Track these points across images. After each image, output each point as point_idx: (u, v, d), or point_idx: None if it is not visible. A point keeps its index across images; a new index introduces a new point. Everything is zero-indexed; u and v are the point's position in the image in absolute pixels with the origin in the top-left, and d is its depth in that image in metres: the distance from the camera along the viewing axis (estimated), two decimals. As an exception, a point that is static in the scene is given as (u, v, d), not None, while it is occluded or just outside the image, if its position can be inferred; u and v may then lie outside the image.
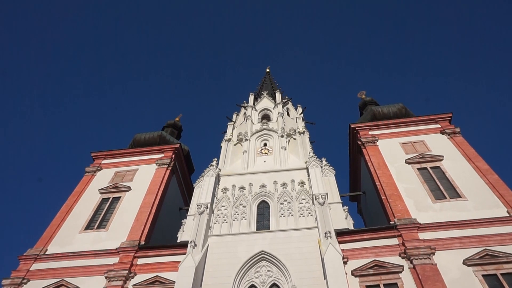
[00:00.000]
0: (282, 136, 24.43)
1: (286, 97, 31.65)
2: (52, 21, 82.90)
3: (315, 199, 17.88)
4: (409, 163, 20.98)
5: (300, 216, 18.12)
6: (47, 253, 18.54)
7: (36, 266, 17.87)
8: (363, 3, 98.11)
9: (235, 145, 24.96)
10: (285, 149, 23.25)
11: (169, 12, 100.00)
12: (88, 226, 20.00)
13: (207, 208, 18.40)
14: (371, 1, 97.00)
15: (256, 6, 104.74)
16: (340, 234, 16.54)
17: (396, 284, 14.92)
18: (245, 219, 18.45)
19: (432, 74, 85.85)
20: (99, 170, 24.43)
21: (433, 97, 78.89)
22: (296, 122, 27.28)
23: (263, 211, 19.03)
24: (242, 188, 20.34)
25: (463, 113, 71.03)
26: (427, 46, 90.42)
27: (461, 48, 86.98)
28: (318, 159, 21.16)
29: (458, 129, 22.79)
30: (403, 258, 15.66)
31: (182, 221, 19.52)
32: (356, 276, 15.27)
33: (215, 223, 18.41)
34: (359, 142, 23.94)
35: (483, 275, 14.52)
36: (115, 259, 17.51)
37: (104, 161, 25.10)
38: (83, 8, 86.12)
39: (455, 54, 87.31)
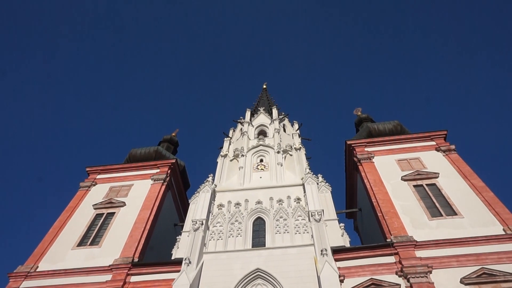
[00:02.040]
0: (278, 152, 24.46)
1: (283, 113, 31.92)
2: (53, 28, 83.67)
3: (311, 216, 17.78)
4: (405, 180, 21.01)
5: (296, 233, 17.97)
6: (38, 270, 18.14)
7: (26, 283, 17.46)
8: (358, 20, 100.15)
9: (231, 160, 24.94)
10: (281, 165, 23.24)
11: (166, 28, 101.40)
12: (81, 243, 19.67)
13: (202, 224, 18.22)
14: (366, 18, 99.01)
15: (253, 22, 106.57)
16: (337, 251, 16.39)
17: (393, 303, 14.70)
18: (241, 236, 18.26)
19: (427, 91, 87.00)
20: (94, 185, 24.22)
21: (428, 114, 79.68)
22: (293, 138, 27.39)
23: (258, 227, 18.86)
24: (238, 204, 20.21)
25: (458, 130, 71.76)
26: (423, 63, 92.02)
27: (456, 65, 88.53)
28: (314, 175, 21.16)
29: (453, 146, 22.97)
30: (400, 276, 15.50)
31: (177, 237, 19.27)
32: (352, 294, 15.05)
33: (210, 240, 18.20)
34: (355, 158, 24.01)
35: (480, 294, 14.38)
36: (107, 277, 17.16)
37: (99, 176, 24.91)
38: (80, 26, 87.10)
39: (451, 71, 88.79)
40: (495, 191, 19.12)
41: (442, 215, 18.33)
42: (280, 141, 25.92)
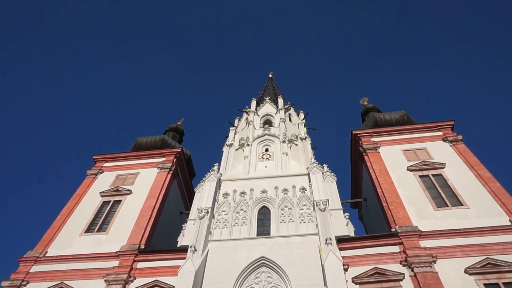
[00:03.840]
0: (283, 141, 24.41)
1: (288, 102, 31.75)
2: (54, 27, 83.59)
3: (316, 205, 17.82)
4: (411, 170, 20.91)
5: (301, 222, 18.05)
6: (47, 255, 18.51)
7: (35, 268, 17.84)
8: (365, 9, 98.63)
9: (236, 150, 24.97)
10: (287, 155, 23.22)
11: (172, 17, 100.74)
12: (89, 229, 19.98)
13: (207, 212, 18.37)
14: (374, 8, 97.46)
15: (259, 12, 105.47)
16: (341, 241, 16.46)
17: (397, 291, 14.80)
18: (246, 225, 18.38)
19: (435, 81, 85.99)
20: (101, 173, 24.48)
21: (435, 104, 78.88)
22: (298, 128, 27.30)
23: (263, 216, 18.96)
24: (243, 193, 20.29)
25: (465, 121, 70.96)
26: (430, 53, 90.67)
27: (464, 55, 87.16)
28: (319, 165, 21.11)
29: (460, 137, 22.76)
30: (404, 266, 15.55)
31: (183, 225, 19.46)
32: (356, 283, 15.15)
33: (215, 228, 18.36)
34: (361, 148, 23.91)
35: (484, 284, 14.40)
36: (114, 263, 17.46)
37: (105, 164, 25.14)
38: (84, 21, 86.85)
39: (458, 61, 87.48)
40: (502, 182, 19.00)
41: (447, 206, 18.27)
42: (286, 130, 25.85)
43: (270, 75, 44.24)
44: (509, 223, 16.60)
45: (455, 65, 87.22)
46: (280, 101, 30.77)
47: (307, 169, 21.21)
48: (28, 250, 18.74)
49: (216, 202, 19.80)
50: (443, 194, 18.99)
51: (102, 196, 22.22)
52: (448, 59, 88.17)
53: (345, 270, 15.22)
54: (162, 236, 21.39)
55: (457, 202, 18.42)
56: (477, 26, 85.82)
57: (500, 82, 78.95)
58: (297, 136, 25.50)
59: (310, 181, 19.97)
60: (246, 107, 30.66)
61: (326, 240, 15.74)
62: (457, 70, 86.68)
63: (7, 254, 57.24)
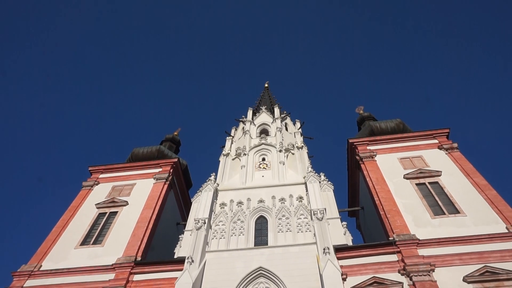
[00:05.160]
0: (280, 151, 24.45)
1: (285, 112, 31.88)
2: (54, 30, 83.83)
3: (314, 215, 17.77)
4: (407, 179, 20.96)
5: (298, 232, 17.97)
6: (41, 269, 18.22)
7: (30, 282, 17.54)
8: (360, 18, 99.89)
9: (233, 159, 24.95)
10: (284, 164, 23.23)
11: (168, 26, 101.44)
12: (84, 242, 19.74)
13: (204, 223, 18.24)
14: (369, 16, 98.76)
15: (256, 21, 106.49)
16: (339, 250, 16.38)
17: (395, 301, 14.69)
18: (243, 235, 18.27)
19: (430, 89, 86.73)
20: (97, 184, 24.29)
21: (430, 112, 79.49)
22: (295, 137, 27.37)
23: (261, 226, 18.88)
24: (240, 203, 20.22)
25: (460, 128, 71.46)
26: (425, 61, 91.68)
27: (458, 63, 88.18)
28: (316, 174, 21.13)
29: (455, 145, 22.90)
30: (402, 274, 15.48)
31: (180, 236, 19.31)
32: (355, 293, 15.03)
33: (212, 239, 18.23)
34: (357, 157, 23.97)
35: (483, 293, 14.34)
36: (110, 276, 17.22)
37: (101, 175, 24.97)
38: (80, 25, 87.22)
39: (453, 69, 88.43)
40: (498, 189, 19.11)
41: (444, 214, 18.28)
42: (282, 139, 25.90)
43: (266, 85, 44.55)
44: (506, 231, 16.61)
45: (450, 72, 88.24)
46: (277, 110, 30.90)
47: (304, 178, 21.20)
48: (22, 264, 18.44)
49: (213, 213, 19.68)
50: (440, 202, 19.01)
51: (98, 208, 22.01)
52: (443, 67, 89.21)
53: (344, 279, 15.12)
54: (159, 247, 21.17)
55: (454, 210, 18.45)
56: (472, 33, 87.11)
57: (495, 90, 79.88)
58: (293, 145, 25.54)
59: (307, 190, 19.93)
60: (243, 116, 30.74)
61: (324, 249, 15.66)
62: (452, 77, 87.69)
63: (1, 268, 56.36)
